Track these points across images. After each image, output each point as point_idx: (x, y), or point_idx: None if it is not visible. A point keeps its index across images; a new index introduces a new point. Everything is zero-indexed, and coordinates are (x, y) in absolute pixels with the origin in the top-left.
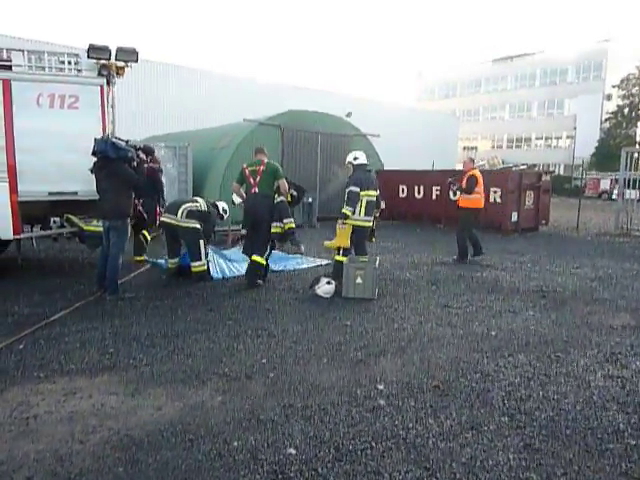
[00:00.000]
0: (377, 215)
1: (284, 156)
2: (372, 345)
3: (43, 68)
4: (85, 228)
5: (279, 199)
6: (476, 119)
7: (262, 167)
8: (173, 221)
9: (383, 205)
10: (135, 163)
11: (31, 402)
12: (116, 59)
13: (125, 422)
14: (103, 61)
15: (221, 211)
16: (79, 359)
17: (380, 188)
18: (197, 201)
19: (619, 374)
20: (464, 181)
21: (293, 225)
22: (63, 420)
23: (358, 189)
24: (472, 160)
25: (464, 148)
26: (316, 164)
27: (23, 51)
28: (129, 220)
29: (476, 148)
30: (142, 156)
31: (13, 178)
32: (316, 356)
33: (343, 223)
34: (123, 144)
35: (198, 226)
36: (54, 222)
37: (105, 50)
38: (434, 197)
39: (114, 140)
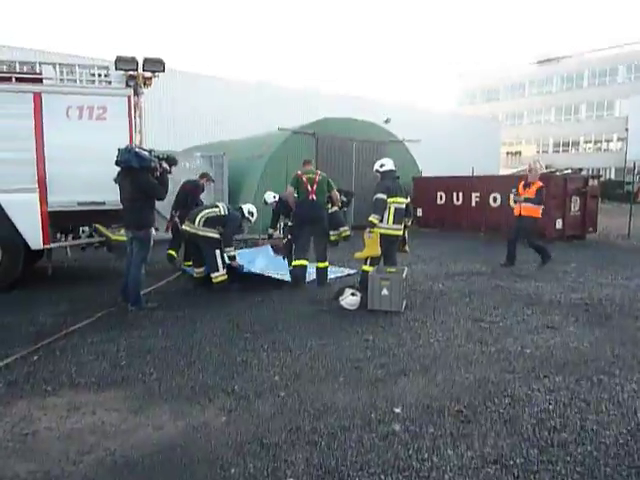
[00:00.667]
0: (408, 224)
1: (319, 164)
2: (393, 363)
3: (75, 81)
4: (113, 238)
5: (333, 209)
6: (520, 123)
7: (318, 177)
8: (192, 229)
9: (420, 212)
10: (158, 173)
11: (34, 417)
12: (143, 70)
13: (123, 442)
14: (131, 72)
15: (247, 214)
16: (90, 372)
17: (410, 195)
18: (217, 206)
19: None
20: (534, 193)
21: (349, 232)
22: (61, 438)
23: (385, 196)
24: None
25: (507, 153)
26: (351, 172)
27: (55, 64)
28: (152, 230)
29: (520, 153)
30: (165, 166)
31: (43, 189)
32: (332, 374)
33: (370, 232)
34: (146, 154)
35: (216, 236)
36: (83, 232)
37: (132, 61)
38: (474, 204)
39: (137, 150)
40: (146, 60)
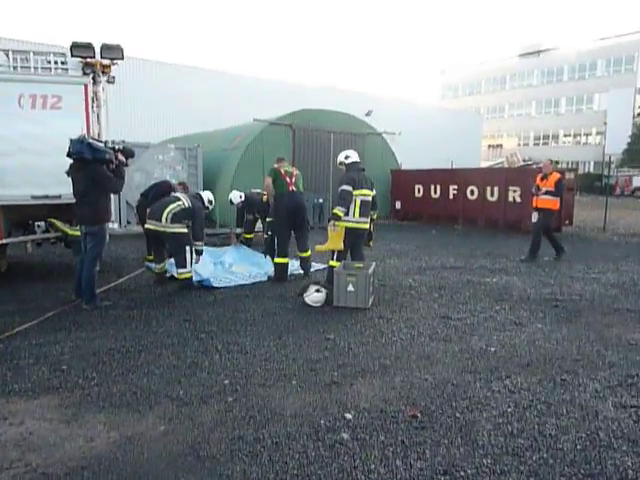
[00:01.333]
0: (374, 217)
1: (295, 156)
2: (352, 364)
3: (28, 68)
4: (70, 233)
5: None
6: (501, 116)
7: (295, 171)
8: (159, 227)
9: (398, 205)
10: (114, 165)
11: None
12: (101, 57)
13: (48, 456)
14: (88, 59)
15: (206, 202)
16: (26, 378)
17: (376, 187)
18: (179, 199)
19: (633, 402)
20: (552, 184)
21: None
22: None
23: (350, 188)
24: (551, 162)
25: (489, 146)
26: (329, 164)
27: (7, 51)
28: (107, 225)
29: (501, 146)
30: (121, 158)
31: None
32: (286, 376)
33: (334, 225)
34: (101, 145)
35: (184, 230)
36: (38, 226)
37: (89, 48)
38: (451, 197)
39: (90, 141)
40: (104, 47)
